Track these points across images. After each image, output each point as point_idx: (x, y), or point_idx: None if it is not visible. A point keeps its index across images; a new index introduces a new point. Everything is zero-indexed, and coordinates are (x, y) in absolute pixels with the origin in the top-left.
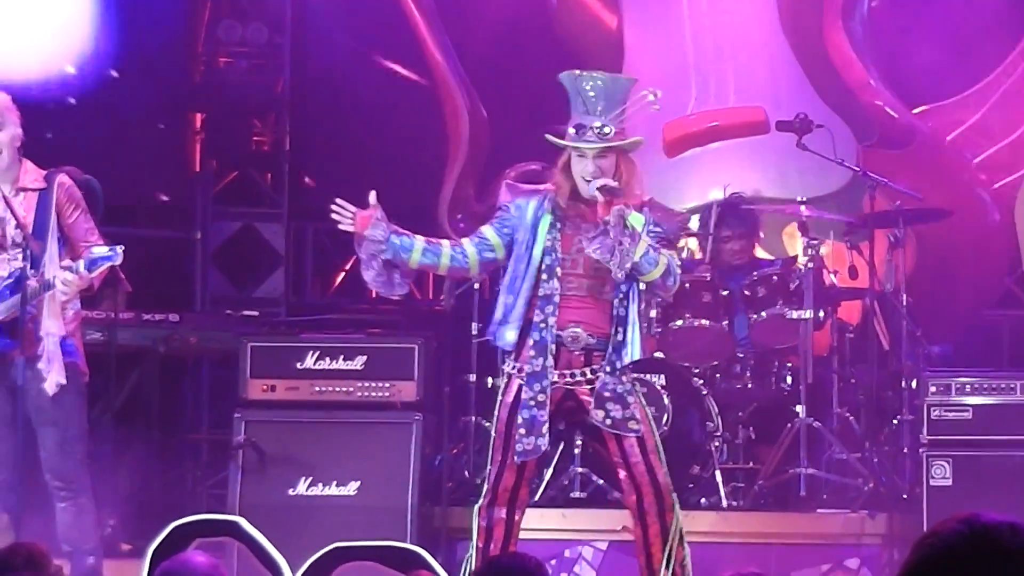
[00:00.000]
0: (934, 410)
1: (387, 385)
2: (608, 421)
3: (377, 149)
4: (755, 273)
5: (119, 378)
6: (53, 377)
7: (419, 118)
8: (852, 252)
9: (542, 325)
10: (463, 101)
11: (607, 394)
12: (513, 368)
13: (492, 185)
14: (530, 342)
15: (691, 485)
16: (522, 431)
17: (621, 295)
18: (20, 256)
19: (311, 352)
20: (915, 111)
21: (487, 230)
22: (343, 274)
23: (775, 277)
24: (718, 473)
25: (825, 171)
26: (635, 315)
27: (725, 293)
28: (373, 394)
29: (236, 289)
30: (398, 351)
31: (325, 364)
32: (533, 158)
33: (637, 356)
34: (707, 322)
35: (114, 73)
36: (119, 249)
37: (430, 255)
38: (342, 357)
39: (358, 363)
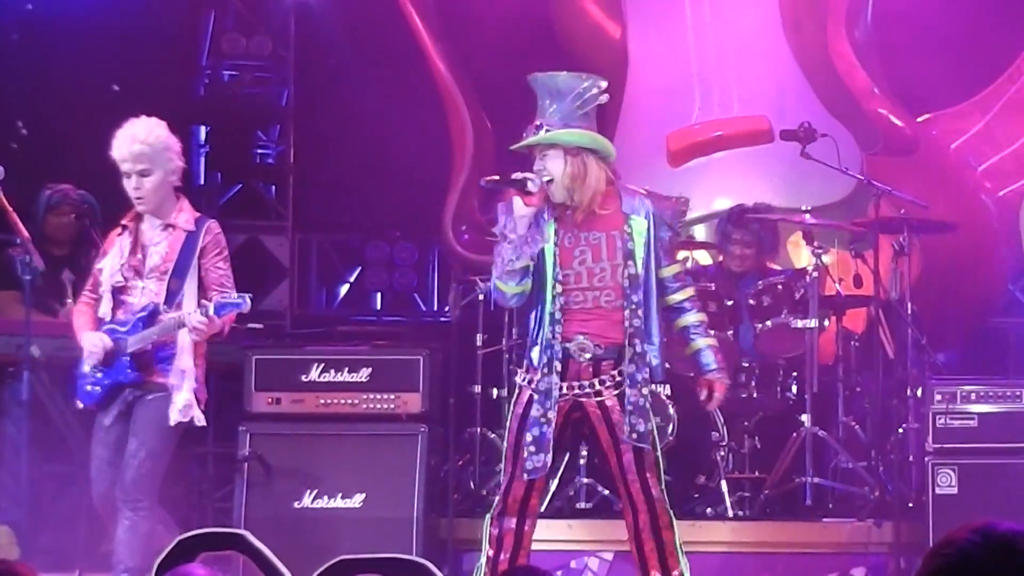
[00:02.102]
0: (939, 418)
1: (392, 397)
2: (634, 435)
3: (381, 161)
4: (760, 282)
5: None
6: (178, 411)
7: (423, 129)
8: (857, 261)
9: (552, 341)
10: (467, 112)
11: (630, 407)
12: (524, 380)
13: (496, 196)
14: (544, 359)
15: (697, 495)
16: (531, 448)
17: (632, 306)
18: (155, 289)
19: (316, 364)
20: (919, 119)
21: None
22: (348, 286)
23: (780, 286)
24: (724, 483)
25: (830, 180)
26: (655, 330)
27: (730, 303)
28: (378, 406)
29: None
30: (403, 363)
31: (330, 376)
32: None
33: (660, 376)
34: (712, 332)
35: (115, 87)
36: (247, 298)
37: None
38: (347, 369)
39: (363, 375)
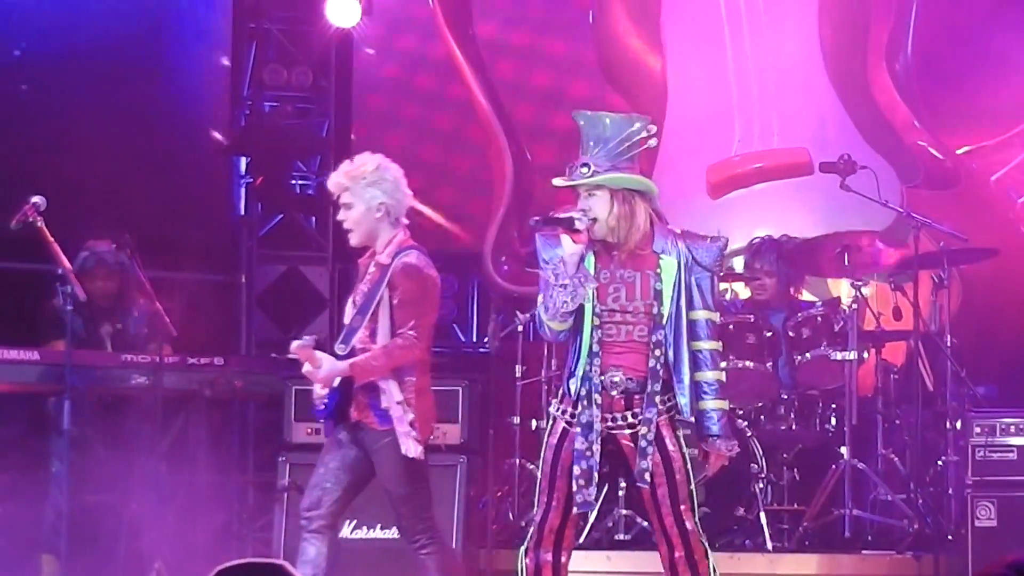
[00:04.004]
0: (979, 451)
1: (432, 427)
2: (647, 475)
3: (421, 192)
4: (799, 314)
5: (165, 422)
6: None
7: (462, 160)
8: (896, 293)
9: (590, 374)
10: (506, 143)
11: (643, 444)
12: (558, 411)
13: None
14: (582, 392)
15: (736, 527)
16: (581, 482)
17: (656, 340)
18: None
19: None
20: (959, 151)
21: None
22: None
23: (819, 318)
24: (763, 515)
25: (869, 212)
26: (685, 369)
27: (769, 334)
28: None
29: (281, 332)
30: (443, 394)
31: None
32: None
33: (687, 412)
34: (751, 363)
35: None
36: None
37: None
38: None
39: None
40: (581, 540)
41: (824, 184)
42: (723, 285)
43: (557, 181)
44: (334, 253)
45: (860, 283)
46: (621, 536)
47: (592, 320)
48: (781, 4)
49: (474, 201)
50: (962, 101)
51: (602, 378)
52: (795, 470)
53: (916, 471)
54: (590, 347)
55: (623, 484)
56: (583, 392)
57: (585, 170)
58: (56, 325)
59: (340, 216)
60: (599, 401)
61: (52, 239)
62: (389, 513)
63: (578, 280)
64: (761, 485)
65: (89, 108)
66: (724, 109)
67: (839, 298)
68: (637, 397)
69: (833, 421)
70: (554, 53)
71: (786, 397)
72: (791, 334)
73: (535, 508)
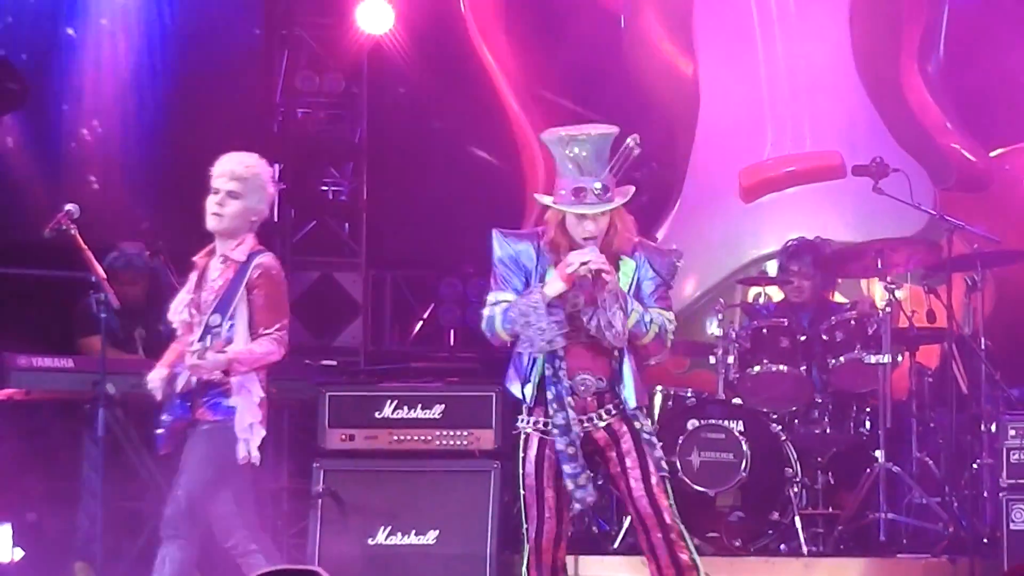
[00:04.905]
0: (1014, 453)
1: (465, 433)
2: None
3: (454, 197)
4: (833, 318)
5: None
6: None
7: (495, 166)
8: (930, 296)
9: (555, 379)
10: (538, 148)
11: (648, 442)
12: (528, 423)
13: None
14: (549, 396)
15: (770, 531)
16: (580, 481)
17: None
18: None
19: (389, 401)
20: (992, 153)
21: (512, 297)
22: (421, 323)
23: (853, 322)
24: (798, 519)
25: (902, 215)
26: (630, 365)
27: (803, 338)
28: (451, 442)
29: (315, 338)
30: (476, 399)
31: (403, 413)
32: None
33: (633, 405)
34: (785, 367)
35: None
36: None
37: None
38: (420, 406)
39: (436, 412)
40: (616, 545)
41: (857, 187)
42: (756, 289)
43: (561, 205)
44: (367, 259)
45: (893, 286)
46: None
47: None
48: (812, 7)
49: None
50: (995, 103)
51: (571, 382)
52: (829, 474)
53: (951, 474)
54: (555, 352)
55: None
56: (551, 396)
57: (602, 194)
58: (90, 321)
59: (217, 200)
60: (572, 403)
61: (85, 246)
62: (423, 519)
63: (556, 326)
64: (796, 489)
65: (119, 117)
66: (756, 113)
67: (872, 300)
68: (607, 395)
69: (867, 424)
70: (588, 65)
71: (820, 401)
72: (824, 337)
73: (524, 525)
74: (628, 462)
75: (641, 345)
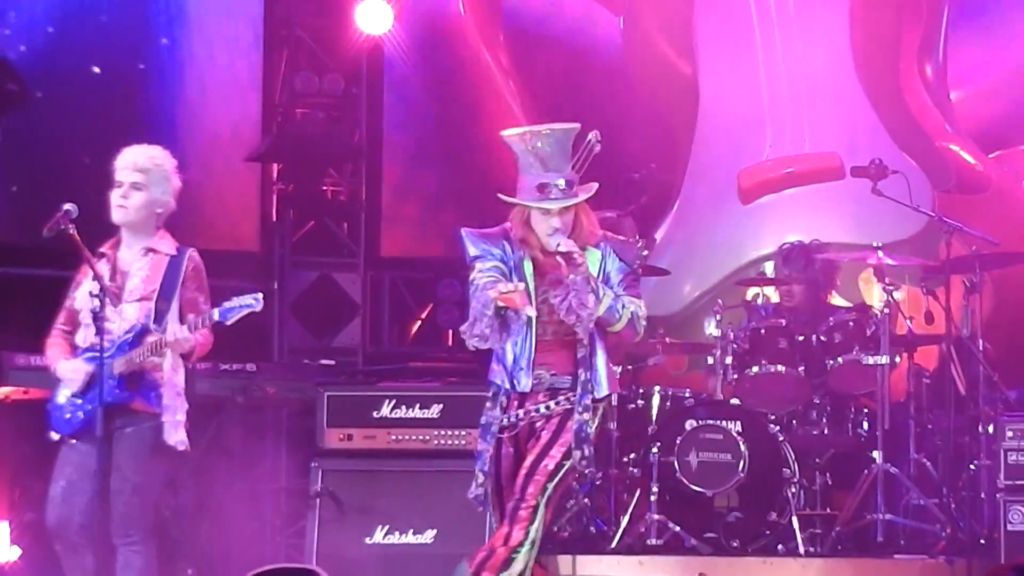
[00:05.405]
0: (1011, 455)
1: (463, 433)
2: (584, 463)
3: (453, 198)
4: (831, 319)
5: (198, 428)
6: (176, 435)
7: (494, 167)
8: (928, 298)
9: (520, 375)
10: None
11: (583, 435)
12: (495, 427)
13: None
14: (515, 394)
15: (768, 531)
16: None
17: (582, 336)
18: (135, 314)
19: (387, 401)
20: (991, 155)
21: (491, 268)
22: (420, 323)
23: (851, 323)
24: (795, 519)
25: (900, 217)
26: (602, 354)
27: (801, 339)
28: (449, 442)
29: (314, 339)
30: (474, 399)
31: (401, 413)
32: (607, 206)
33: (605, 392)
34: (783, 368)
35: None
36: (260, 296)
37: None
38: (418, 406)
39: (434, 411)
40: (614, 545)
41: (855, 189)
42: (754, 289)
43: (527, 202)
44: (366, 260)
45: (892, 287)
46: (653, 541)
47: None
48: (812, 9)
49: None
50: (994, 105)
51: (531, 377)
52: (827, 475)
53: (948, 475)
54: (525, 348)
55: (655, 489)
56: (515, 394)
57: (566, 189)
58: None
59: (121, 193)
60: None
61: (83, 244)
62: (421, 518)
63: (512, 328)
64: (793, 490)
65: (115, 117)
66: (755, 114)
67: (869, 304)
68: (561, 391)
69: (865, 426)
70: (587, 66)
71: (818, 402)
72: (823, 339)
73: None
74: (537, 445)
75: (614, 332)
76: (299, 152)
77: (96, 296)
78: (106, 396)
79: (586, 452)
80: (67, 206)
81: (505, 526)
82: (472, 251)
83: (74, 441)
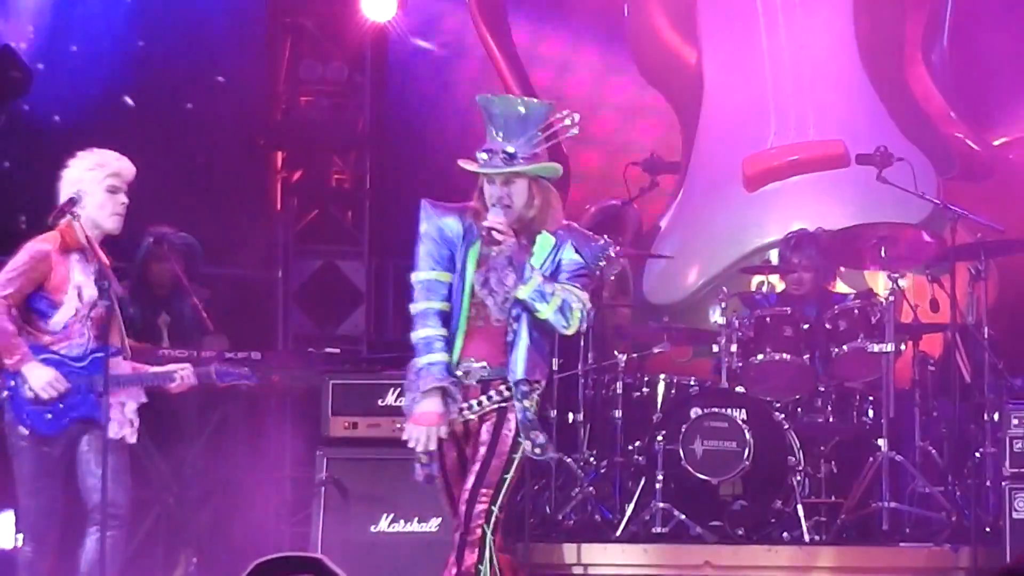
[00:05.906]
0: (1016, 443)
1: None
2: (538, 451)
3: (457, 186)
4: (836, 307)
5: (202, 416)
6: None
7: None
8: (933, 285)
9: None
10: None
11: (527, 423)
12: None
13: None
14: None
15: (773, 520)
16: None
17: (511, 320)
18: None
19: (392, 389)
20: (996, 142)
21: (436, 275)
22: None
23: (856, 311)
24: (800, 507)
25: (905, 204)
26: (526, 338)
27: (806, 327)
28: None
29: (318, 327)
30: None
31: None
32: (612, 194)
33: (520, 375)
34: (788, 356)
35: (189, 105)
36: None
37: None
38: None
39: None
40: (618, 533)
41: (860, 176)
42: (759, 278)
43: (470, 166)
44: (370, 248)
45: (897, 275)
46: (658, 529)
47: (468, 309)
48: None
49: None
50: (999, 92)
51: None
52: (832, 463)
53: (953, 463)
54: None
55: (660, 477)
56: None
57: (508, 157)
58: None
59: (121, 201)
60: (455, 392)
61: (90, 236)
62: (426, 506)
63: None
64: (798, 478)
65: (122, 106)
66: (760, 102)
67: (874, 291)
68: (493, 382)
69: (870, 413)
70: (590, 59)
71: (823, 390)
72: (828, 327)
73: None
74: (478, 450)
75: (541, 317)
76: (303, 140)
77: (104, 291)
78: (93, 412)
79: (537, 440)
80: (73, 195)
81: (455, 550)
82: (423, 226)
83: (57, 452)
